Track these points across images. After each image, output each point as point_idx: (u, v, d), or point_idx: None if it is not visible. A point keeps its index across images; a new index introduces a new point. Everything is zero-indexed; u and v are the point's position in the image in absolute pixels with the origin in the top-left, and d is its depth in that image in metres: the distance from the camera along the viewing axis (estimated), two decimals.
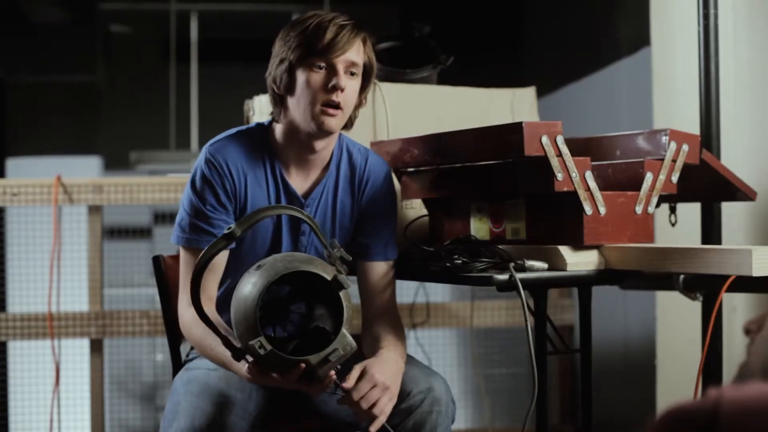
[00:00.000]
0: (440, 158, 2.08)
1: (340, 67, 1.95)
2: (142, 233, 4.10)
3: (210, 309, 1.94)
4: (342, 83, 1.94)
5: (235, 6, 6.14)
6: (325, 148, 2.03)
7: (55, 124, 6.05)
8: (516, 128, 1.87)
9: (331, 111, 1.95)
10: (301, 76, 1.95)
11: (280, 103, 2.01)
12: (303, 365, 1.71)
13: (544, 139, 1.86)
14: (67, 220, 3.72)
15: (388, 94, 2.43)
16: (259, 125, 2.09)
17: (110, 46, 6.33)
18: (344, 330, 1.74)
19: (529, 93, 2.59)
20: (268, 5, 6.00)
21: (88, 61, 6.15)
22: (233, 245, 1.97)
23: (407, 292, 3.54)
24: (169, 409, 1.93)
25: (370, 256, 2.08)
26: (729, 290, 1.84)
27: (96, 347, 3.58)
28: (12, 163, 5.72)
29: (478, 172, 2.08)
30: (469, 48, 4.44)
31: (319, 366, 1.72)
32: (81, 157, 5.81)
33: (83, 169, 5.62)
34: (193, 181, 2.01)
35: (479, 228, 2.15)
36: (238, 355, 1.75)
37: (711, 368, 2.28)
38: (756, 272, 1.71)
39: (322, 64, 1.94)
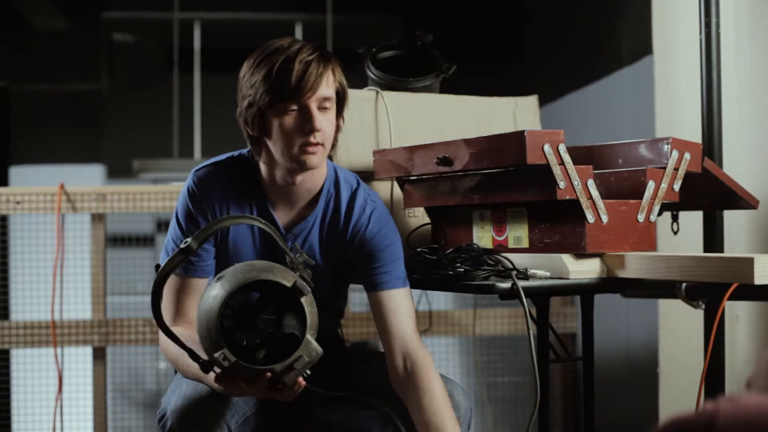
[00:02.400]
0: (442, 166, 2.08)
1: (313, 107, 1.90)
2: (145, 241, 4.11)
3: (189, 331, 1.93)
4: (318, 125, 1.90)
5: (238, 15, 6.16)
6: (306, 179, 2.00)
7: (58, 132, 6.06)
8: (518, 137, 1.87)
9: (311, 149, 1.92)
10: (273, 121, 1.92)
11: (256, 142, 1.98)
12: (269, 374, 1.71)
13: (547, 148, 1.86)
14: (71, 228, 3.73)
15: (391, 102, 2.43)
16: (250, 152, 2.06)
17: (113, 55, 6.34)
18: (309, 336, 1.73)
19: (531, 101, 2.60)
20: (272, 14, 6.01)
21: (92, 70, 6.16)
22: (208, 263, 2.00)
23: None
24: (170, 390, 1.97)
25: (377, 286, 2.02)
26: (731, 299, 1.84)
27: (99, 355, 3.59)
28: (15, 172, 5.73)
29: (481, 180, 2.08)
30: (471, 56, 4.45)
31: (284, 374, 1.72)
32: (84, 166, 5.83)
33: (86, 178, 5.64)
34: (177, 211, 2.02)
35: (482, 236, 2.16)
36: (205, 367, 1.75)
37: (713, 376, 2.28)
38: (758, 280, 1.72)
39: (294, 107, 1.90)
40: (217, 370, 1.75)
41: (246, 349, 1.76)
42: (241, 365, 1.70)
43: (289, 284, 1.74)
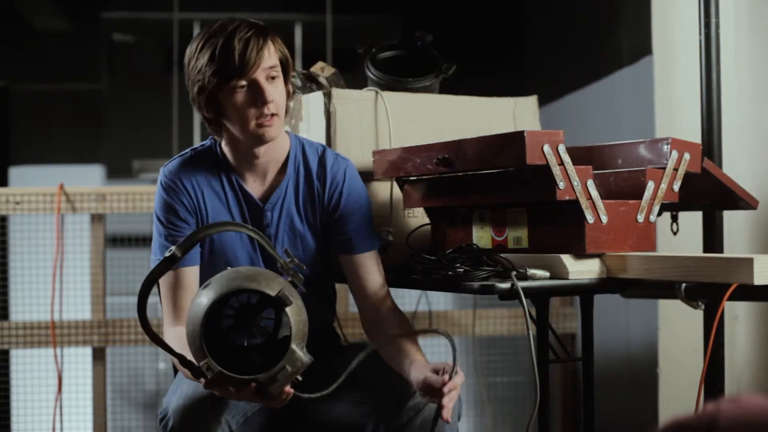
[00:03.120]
0: (442, 167, 2.08)
1: (261, 79, 1.96)
2: (144, 242, 4.10)
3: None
4: (268, 96, 1.96)
5: (237, 15, 6.15)
6: (269, 150, 2.06)
7: (58, 132, 6.06)
8: (518, 137, 1.87)
9: (266, 122, 1.98)
10: (225, 100, 1.97)
11: (214, 123, 2.04)
12: (253, 384, 1.71)
13: (546, 148, 1.86)
14: (70, 229, 3.73)
15: (390, 103, 2.43)
16: (212, 139, 2.13)
17: (113, 55, 6.34)
18: (293, 346, 1.71)
19: (531, 102, 2.60)
20: (271, 14, 6.01)
21: (91, 70, 6.17)
22: (194, 250, 2.01)
23: (409, 300, 3.54)
24: (171, 389, 1.99)
25: (352, 249, 2.10)
26: (731, 299, 1.84)
27: (98, 355, 3.59)
28: (15, 172, 5.73)
29: (480, 180, 2.08)
30: (471, 57, 4.45)
31: (268, 384, 1.71)
32: (84, 166, 5.83)
33: (86, 178, 5.64)
34: (155, 209, 2.07)
35: (481, 236, 2.16)
36: (195, 373, 1.75)
37: (713, 376, 2.28)
38: (758, 281, 1.72)
39: (243, 83, 1.95)
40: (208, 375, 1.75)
41: (237, 354, 1.75)
42: (225, 375, 1.69)
43: (273, 293, 1.71)
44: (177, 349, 1.92)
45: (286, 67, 2.04)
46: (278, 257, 1.79)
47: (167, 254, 1.71)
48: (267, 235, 2.07)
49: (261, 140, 2.00)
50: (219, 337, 1.74)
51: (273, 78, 1.98)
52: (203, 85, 1.96)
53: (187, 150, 2.13)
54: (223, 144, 2.10)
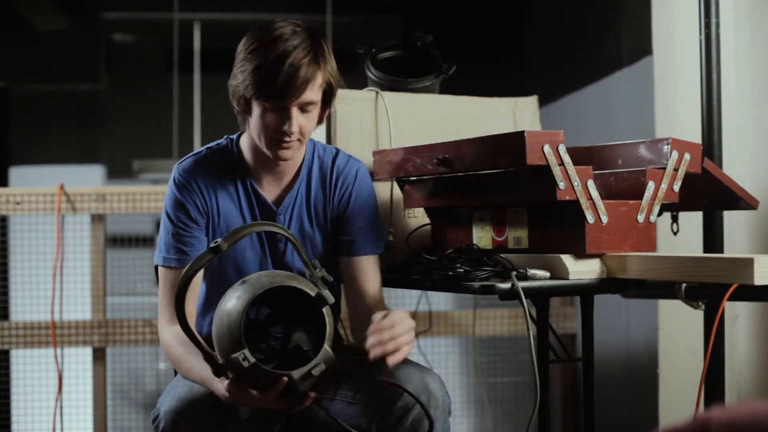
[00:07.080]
0: (442, 167, 2.08)
1: (293, 111, 1.92)
2: (144, 242, 4.10)
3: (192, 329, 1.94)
4: (294, 128, 1.93)
5: (237, 15, 6.15)
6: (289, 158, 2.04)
7: (58, 132, 6.06)
8: (518, 137, 1.87)
9: (285, 145, 1.96)
10: (255, 109, 1.95)
11: (241, 114, 2.02)
12: (285, 379, 1.71)
13: (546, 148, 1.86)
14: (70, 229, 3.73)
15: (390, 103, 2.43)
16: (228, 139, 2.11)
17: (113, 55, 6.34)
18: (326, 346, 1.74)
19: (531, 102, 2.60)
20: (271, 14, 6.00)
21: (91, 70, 6.16)
22: (201, 251, 2.00)
23: (409, 300, 3.54)
24: (167, 390, 1.98)
25: (354, 251, 2.09)
26: (731, 299, 1.84)
27: (99, 356, 3.59)
28: (15, 172, 5.73)
29: (481, 180, 2.08)
30: (471, 57, 4.44)
31: (301, 381, 1.72)
32: (84, 166, 5.82)
33: (86, 178, 5.63)
34: (165, 205, 2.05)
35: (481, 237, 2.16)
36: (219, 371, 1.75)
37: (713, 377, 2.28)
38: (758, 281, 1.72)
39: (275, 107, 1.92)
40: (230, 375, 1.75)
41: (258, 360, 1.76)
42: (259, 367, 1.69)
43: (312, 293, 1.76)
44: (177, 349, 1.93)
45: (328, 97, 2.00)
46: (309, 265, 1.80)
47: (212, 245, 1.69)
48: (282, 250, 2.08)
49: (275, 158, 1.99)
50: (256, 333, 1.76)
51: (308, 111, 1.95)
52: (240, 84, 1.93)
53: (203, 148, 2.10)
54: (244, 142, 2.08)
